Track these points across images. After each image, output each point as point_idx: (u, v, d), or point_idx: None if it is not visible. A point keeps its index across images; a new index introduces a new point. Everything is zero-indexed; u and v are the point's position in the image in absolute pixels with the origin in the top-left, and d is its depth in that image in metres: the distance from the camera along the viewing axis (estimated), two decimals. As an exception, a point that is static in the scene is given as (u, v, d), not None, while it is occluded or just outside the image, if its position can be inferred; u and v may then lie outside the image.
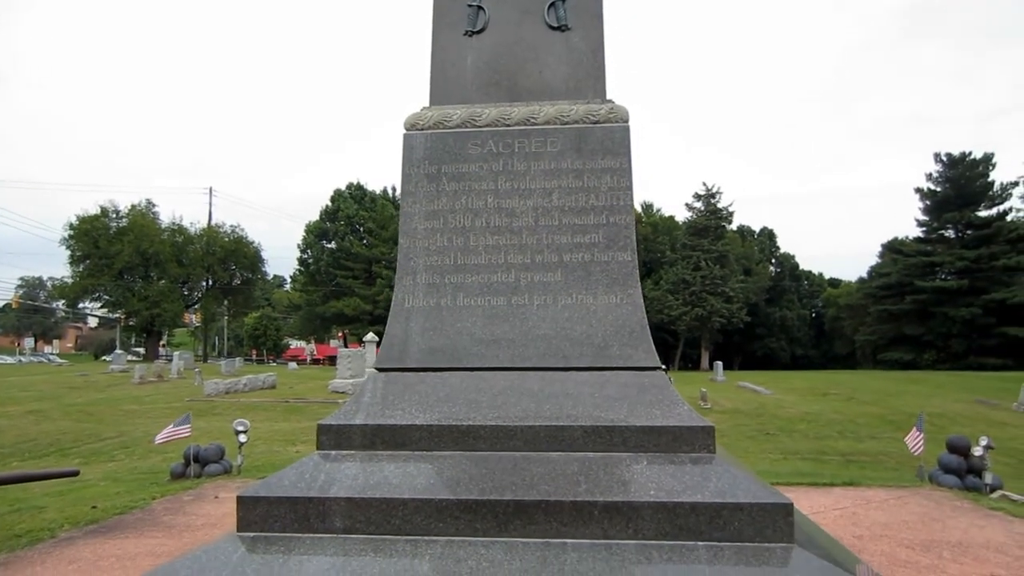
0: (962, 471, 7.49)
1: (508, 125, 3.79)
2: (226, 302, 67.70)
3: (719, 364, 34.87)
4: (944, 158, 56.55)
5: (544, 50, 3.97)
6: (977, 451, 7.53)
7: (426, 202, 3.76)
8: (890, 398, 22.70)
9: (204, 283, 63.59)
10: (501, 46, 4.00)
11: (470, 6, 4.04)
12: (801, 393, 25.19)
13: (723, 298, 56.79)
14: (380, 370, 3.65)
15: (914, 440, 8.26)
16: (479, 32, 4.01)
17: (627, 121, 3.79)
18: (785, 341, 68.44)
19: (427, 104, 4.02)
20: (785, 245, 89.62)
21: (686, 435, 3.14)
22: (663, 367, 3.53)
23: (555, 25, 3.97)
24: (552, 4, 3.99)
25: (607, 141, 3.73)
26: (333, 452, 3.31)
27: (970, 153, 55.68)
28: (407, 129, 3.88)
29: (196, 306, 65.14)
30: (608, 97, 3.91)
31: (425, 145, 3.83)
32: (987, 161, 55.10)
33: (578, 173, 3.71)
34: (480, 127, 3.81)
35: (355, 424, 3.31)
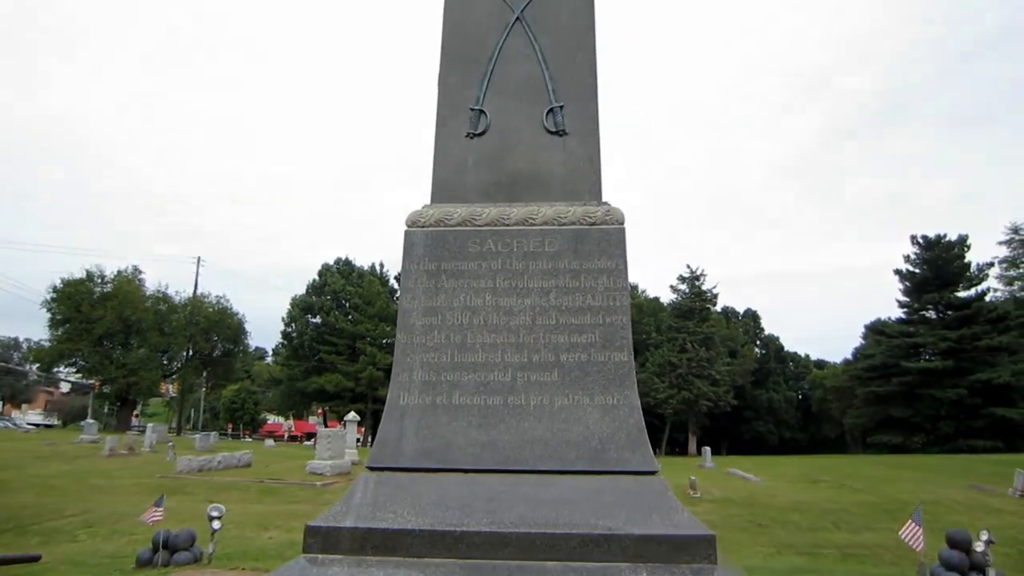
0: (964, 568, 7.33)
1: (507, 225, 3.87)
2: (205, 373, 66.54)
3: (707, 450, 34.44)
4: (920, 240, 58.08)
5: (543, 153, 4.10)
6: (979, 547, 7.40)
7: (425, 299, 3.78)
8: (883, 484, 22.41)
9: (184, 353, 62.66)
10: (501, 149, 4.13)
11: (472, 110, 4.19)
12: (791, 480, 24.81)
13: (709, 381, 56.74)
14: (372, 469, 3.56)
15: (912, 534, 8.10)
16: (480, 135, 4.15)
17: (623, 223, 3.89)
18: (773, 424, 68.01)
19: (428, 202, 4.10)
20: (769, 326, 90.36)
21: (687, 544, 3.07)
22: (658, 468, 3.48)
23: (553, 130, 4.12)
24: (551, 110, 4.15)
25: (603, 242, 3.81)
26: (320, 556, 3.19)
27: (945, 235, 57.26)
28: (408, 226, 3.95)
29: (174, 376, 63.91)
30: (604, 199, 4.02)
31: (425, 242, 3.88)
32: (962, 243, 56.61)
33: (575, 273, 3.77)
34: (480, 226, 3.88)
35: (344, 527, 3.21)
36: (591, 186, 4.04)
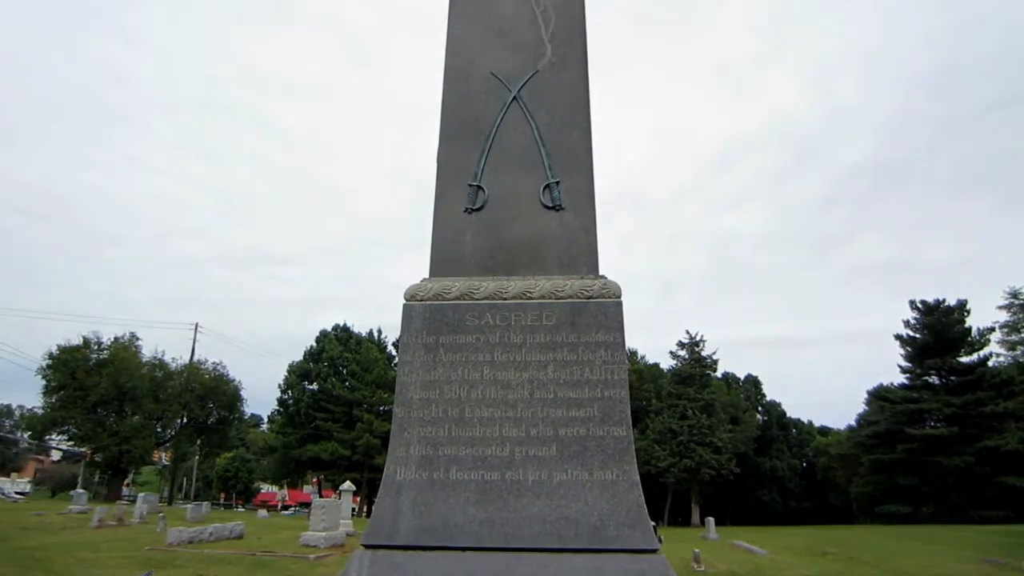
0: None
1: (505, 299, 3.91)
2: (199, 441, 65.40)
3: (711, 521, 33.55)
4: (920, 305, 58.21)
5: (540, 228, 4.19)
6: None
7: (423, 372, 3.79)
8: (893, 557, 21.72)
9: (179, 420, 61.79)
10: (499, 223, 4.22)
11: (470, 185, 4.30)
12: (798, 552, 24.07)
13: (711, 448, 55.78)
14: (367, 547, 3.48)
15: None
16: (478, 209, 4.25)
17: (620, 297, 3.93)
18: (777, 493, 66.46)
19: (427, 274, 4.16)
20: (771, 392, 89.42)
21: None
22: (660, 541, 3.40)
23: (550, 205, 4.22)
24: (547, 186, 4.26)
25: (600, 316, 3.84)
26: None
27: (944, 300, 57.40)
28: (407, 300, 3.99)
29: (168, 444, 62.79)
30: (601, 272, 4.08)
31: (424, 316, 3.92)
32: (961, 308, 56.70)
33: (573, 347, 3.78)
34: (478, 300, 3.92)
35: (337, 611, 3.12)
36: (588, 259, 4.10)
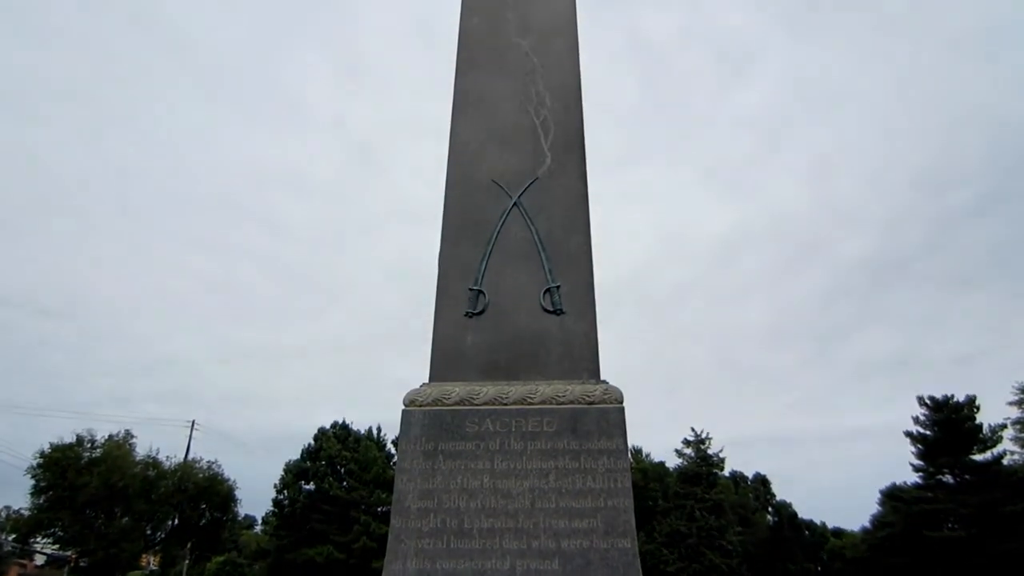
0: None
1: (505, 404, 3.87)
2: (190, 544, 62.78)
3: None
4: (928, 401, 57.23)
5: (541, 332, 4.20)
6: None
7: (421, 480, 3.69)
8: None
9: (170, 522, 59.58)
10: (500, 327, 4.24)
11: (471, 290, 4.35)
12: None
13: (721, 552, 53.37)
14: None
15: None
16: (479, 314, 4.28)
17: (621, 402, 3.89)
18: (793, 600, 62.99)
19: (427, 375, 4.13)
20: (780, 492, 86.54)
21: None
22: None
23: (551, 309, 4.25)
24: (548, 290, 4.31)
25: (603, 422, 3.79)
26: None
27: (952, 396, 56.45)
28: (406, 405, 3.95)
29: (157, 547, 60.23)
30: (602, 376, 4.05)
31: (423, 422, 3.86)
32: (971, 404, 55.68)
33: (575, 454, 3.71)
34: (478, 405, 3.88)
35: None
36: (589, 363, 4.09)
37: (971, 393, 56.38)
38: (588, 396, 3.87)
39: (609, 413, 3.82)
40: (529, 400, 3.87)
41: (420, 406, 3.92)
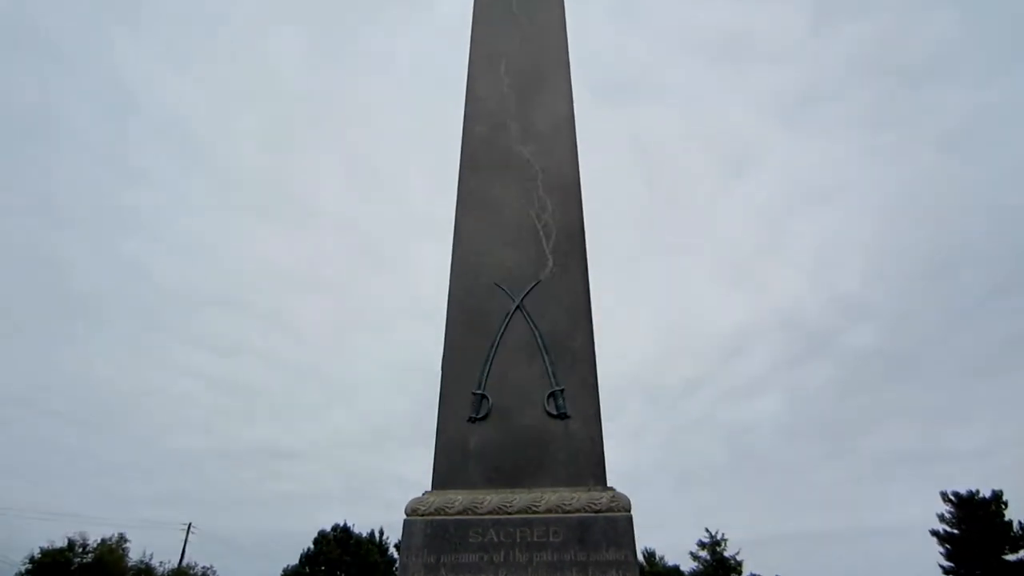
0: None
1: (509, 513, 3.76)
2: (178, 661, 59.16)
3: None
4: (952, 497, 55.04)
5: (545, 437, 4.13)
6: None
7: (422, 596, 3.53)
8: None
9: (161, 636, 56.38)
10: (503, 432, 4.18)
11: (474, 394, 4.32)
12: None
13: (746, 662, 49.97)
14: None
15: None
16: (482, 418, 4.22)
17: (629, 510, 3.76)
18: None
19: (430, 482, 4.04)
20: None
21: None
22: None
23: (555, 413, 4.20)
24: (552, 394, 4.27)
25: (610, 532, 3.66)
26: None
27: (977, 491, 54.38)
28: (408, 514, 3.84)
29: (141, 665, 56.72)
30: (610, 480, 3.95)
31: (425, 532, 3.74)
32: (998, 500, 53.50)
33: (582, 566, 3.56)
34: (481, 515, 3.77)
35: None
36: (595, 469, 3.99)
37: (997, 488, 54.29)
38: (595, 504, 3.75)
39: (617, 522, 3.70)
40: (534, 509, 3.75)
41: (422, 515, 3.81)
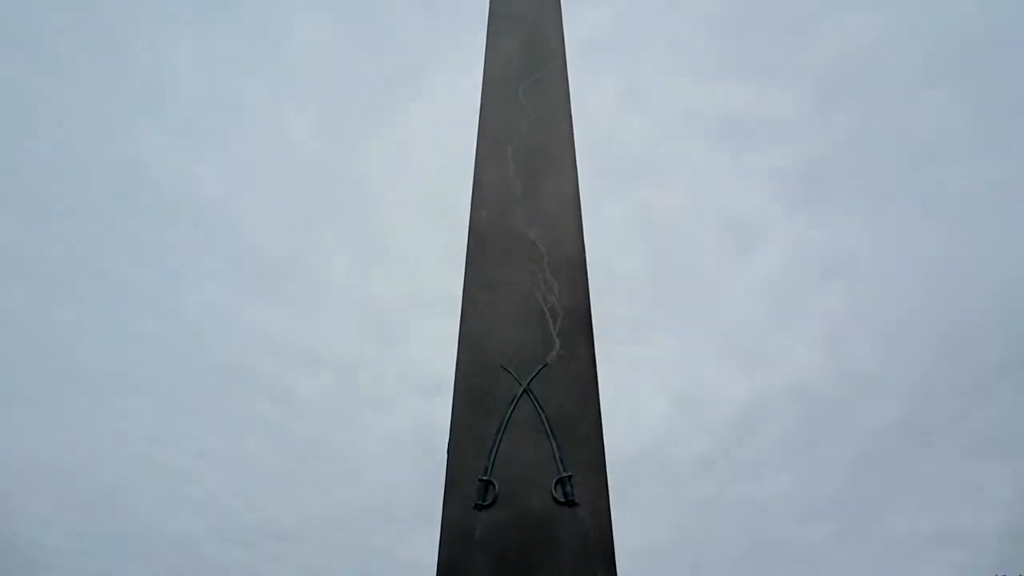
0: None
1: (516, 609, 3.60)
2: None
3: None
4: (976, 586, 52.55)
5: (553, 525, 4.01)
6: None
7: None
8: None
9: None
10: (510, 520, 4.06)
11: (480, 480, 4.22)
12: None
13: None
14: None
15: None
16: (488, 506, 4.12)
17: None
18: None
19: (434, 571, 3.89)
20: None
21: None
22: None
23: (563, 501, 4.09)
24: (560, 480, 4.17)
25: (622, 630, 3.49)
26: None
27: (1005, 576, 51.88)
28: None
29: None
30: (619, 571, 3.80)
31: (427, 631, 3.58)
32: (1022, 587, 51.01)
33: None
34: (487, 611, 3.61)
35: None
36: (604, 559, 3.85)
37: (1019, 572, 51.90)
38: (605, 601, 3.60)
39: None
40: (541, 604, 3.60)
41: (425, 612, 3.65)
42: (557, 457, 4.28)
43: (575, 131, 6.72)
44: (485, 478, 4.23)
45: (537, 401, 4.57)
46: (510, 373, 4.74)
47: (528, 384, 4.67)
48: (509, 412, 4.54)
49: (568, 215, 5.77)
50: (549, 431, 4.41)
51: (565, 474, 4.20)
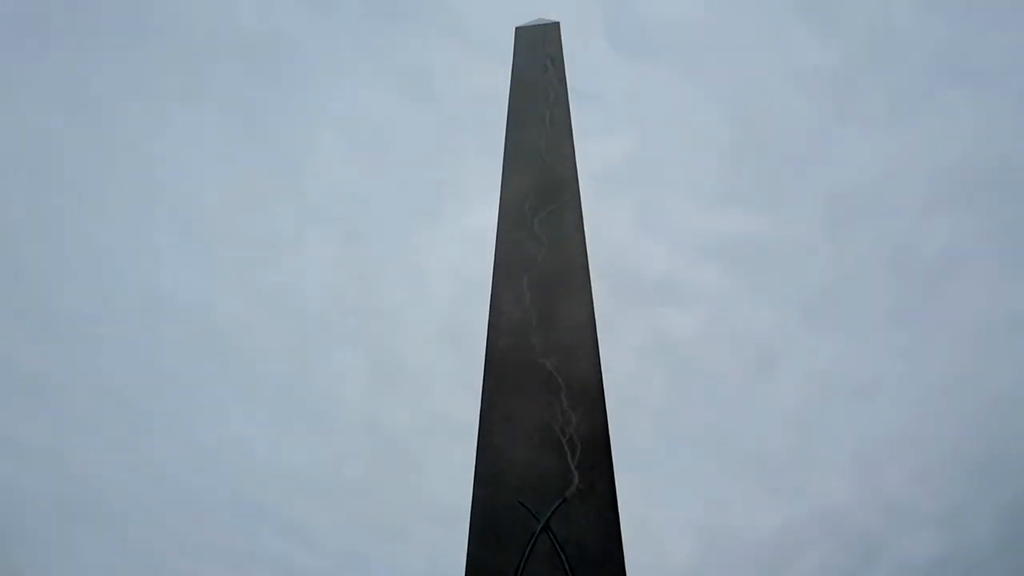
0: None
1: None
2: None
3: None
4: None
5: None
6: None
7: None
8: None
9: None
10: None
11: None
12: None
13: None
14: None
15: None
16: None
17: None
18: None
19: None
20: None
21: None
22: None
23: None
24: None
25: None
26: None
27: None
28: None
29: None
30: None
31: None
32: None
33: None
34: None
35: None
36: None
37: None
38: None
39: None
40: None
41: None
42: (578, 599, 4.04)
43: (590, 259, 6.89)
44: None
45: (556, 539, 4.38)
46: (527, 509, 4.58)
47: (547, 520, 4.50)
48: (527, 551, 4.34)
49: (585, 344, 5.79)
50: (568, 569, 4.19)
51: (586, 617, 3.94)
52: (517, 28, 9.85)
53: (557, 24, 9.66)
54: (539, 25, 9.93)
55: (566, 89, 9.11)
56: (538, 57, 9.49)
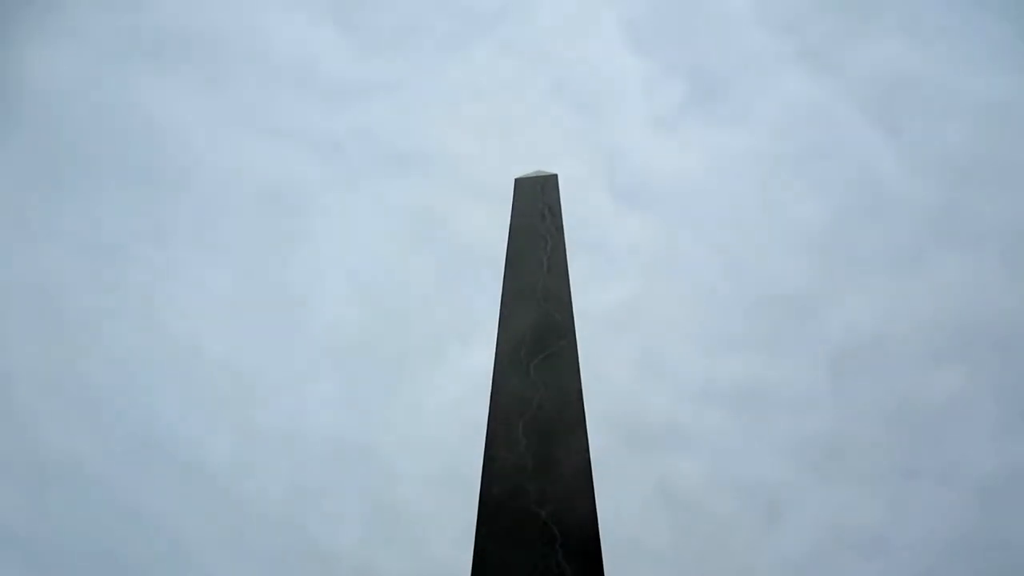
0: None
1: None
2: None
3: None
4: None
5: None
6: None
7: None
8: None
9: None
10: None
11: None
12: None
13: None
14: None
15: None
16: None
17: None
18: None
19: None
20: None
21: None
22: None
23: None
24: None
25: None
26: None
27: None
28: None
29: None
30: None
31: None
32: None
33: None
34: None
35: None
36: None
37: None
38: None
39: None
40: None
41: None
42: None
43: (590, 404, 6.80)
44: None
45: None
46: None
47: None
48: None
49: (582, 493, 5.57)
50: None
51: None
52: (516, 179, 10.38)
53: (555, 176, 10.13)
54: (537, 176, 10.47)
55: (563, 236, 9.43)
56: (536, 206, 9.92)
